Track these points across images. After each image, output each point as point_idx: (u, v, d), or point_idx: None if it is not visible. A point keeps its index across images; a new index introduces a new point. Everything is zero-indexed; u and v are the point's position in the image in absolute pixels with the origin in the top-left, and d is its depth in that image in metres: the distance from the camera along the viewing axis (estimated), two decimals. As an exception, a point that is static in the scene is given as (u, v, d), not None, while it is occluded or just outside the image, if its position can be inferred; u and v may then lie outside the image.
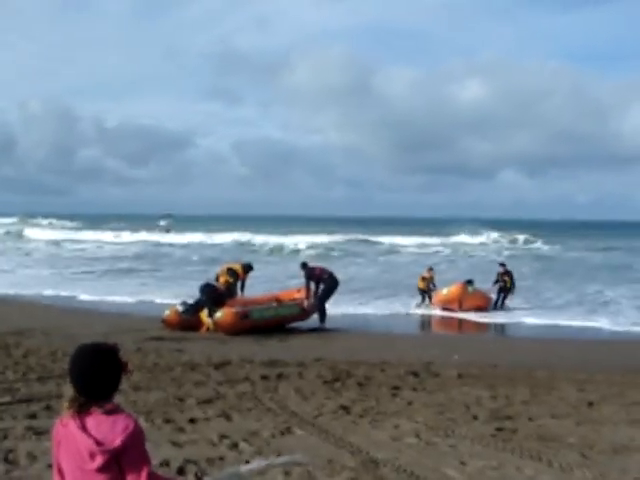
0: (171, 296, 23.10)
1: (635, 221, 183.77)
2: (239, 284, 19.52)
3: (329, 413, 9.30)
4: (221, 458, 7.32)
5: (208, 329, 17.13)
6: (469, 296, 22.95)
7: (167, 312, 17.52)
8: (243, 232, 67.85)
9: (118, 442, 3.32)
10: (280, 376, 11.63)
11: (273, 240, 59.49)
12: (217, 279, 19.27)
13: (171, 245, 58.30)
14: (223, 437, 8.05)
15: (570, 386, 11.41)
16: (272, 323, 17.59)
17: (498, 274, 23.96)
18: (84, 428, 3.36)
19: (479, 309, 22.73)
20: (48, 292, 25.83)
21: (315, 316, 18.80)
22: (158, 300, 23.31)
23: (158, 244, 59.69)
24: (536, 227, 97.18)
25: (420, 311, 23.13)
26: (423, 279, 24.18)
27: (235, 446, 7.75)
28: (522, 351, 15.76)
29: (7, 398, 9.56)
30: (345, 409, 9.54)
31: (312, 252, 49.52)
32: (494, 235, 65.90)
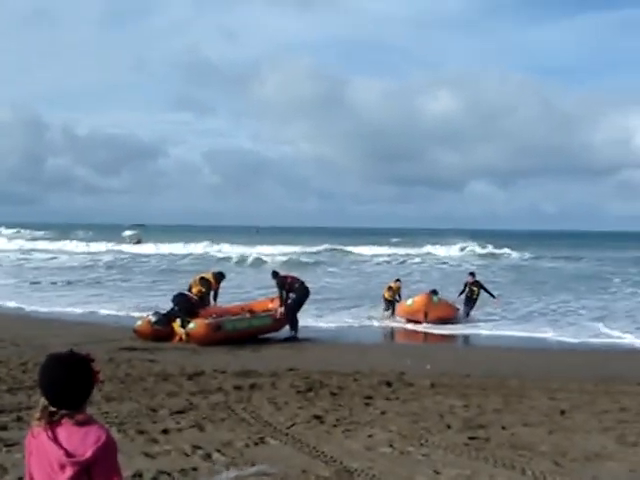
0: (138, 307, 22.97)
1: (603, 231, 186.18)
2: (212, 293, 19.48)
3: (302, 423, 9.28)
4: (194, 469, 7.28)
5: (181, 339, 17.03)
6: (435, 307, 22.23)
7: (139, 322, 17.42)
8: (214, 242, 67.35)
9: (89, 454, 3.28)
10: (253, 386, 11.59)
11: (243, 250, 59.16)
12: (190, 289, 19.19)
13: (141, 255, 57.72)
14: (196, 448, 8.00)
15: (542, 395, 11.50)
16: (245, 334, 17.53)
17: (466, 284, 23.50)
18: (55, 439, 3.32)
19: (445, 320, 22.08)
20: (12, 304, 25.16)
21: (287, 326, 18.76)
22: (121, 312, 22.96)
23: (128, 254, 59.05)
24: (507, 237, 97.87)
25: (386, 322, 22.61)
26: (389, 289, 23.71)
27: (208, 457, 7.71)
28: (493, 361, 15.83)
29: (-23, 410, 9.43)
30: (318, 419, 9.53)
31: (283, 260, 49.44)
32: (466, 245, 66.08)
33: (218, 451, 7.89)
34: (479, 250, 64.40)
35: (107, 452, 3.35)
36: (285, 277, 19.26)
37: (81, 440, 3.32)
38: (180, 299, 17.87)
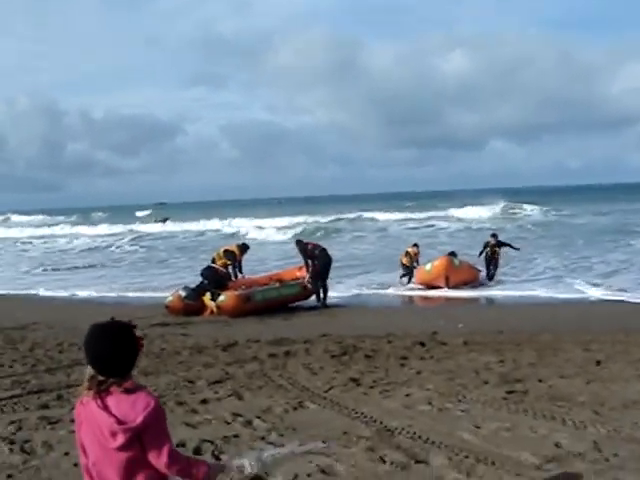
0: (167, 285, 22.99)
1: (627, 183, 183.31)
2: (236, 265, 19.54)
3: (339, 386, 9.33)
4: (236, 436, 7.34)
5: (212, 312, 17.12)
6: (456, 270, 21.08)
7: (170, 298, 17.52)
8: (234, 217, 67.20)
9: (140, 420, 3.34)
10: (287, 353, 11.66)
11: (266, 223, 59.03)
12: (214, 262, 19.24)
13: (160, 234, 57.75)
14: (236, 415, 8.08)
15: (576, 347, 11.46)
16: (275, 304, 17.58)
17: (486, 244, 22.49)
18: (105, 407, 3.38)
19: (468, 284, 21.25)
20: (41, 290, 24.92)
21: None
22: (147, 292, 22.96)
23: (144, 233, 58.98)
24: (530, 194, 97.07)
25: (402, 290, 21.61)
26: (406, 254, 22.73)
27: (249, 423, 7.78)
28: (524, 317, 15.81)
29: (18, 390, 9.56)
30: (355, 381, 9.58)
31: (308, 230, 49.41)
32: (490, 205, 64.88)
33: (258, 418, 7.96)
34: (503, 209, 63.48)
35: (157, 418, 3.41)
36: (307, 244, 19.20)
37: (131, 407, 3.37)
38: (208, 272, 17.95)
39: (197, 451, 6.89)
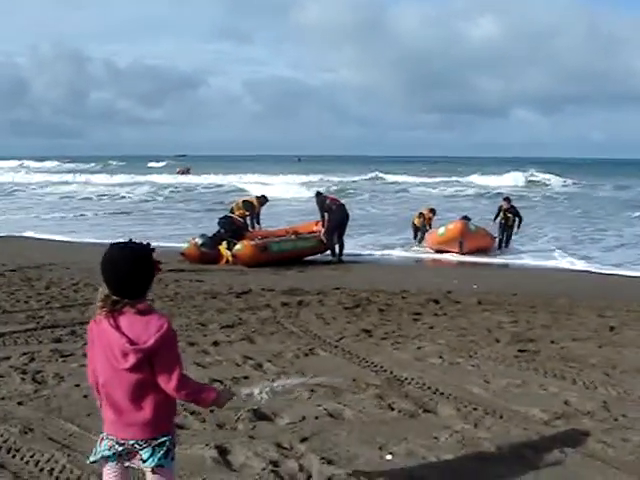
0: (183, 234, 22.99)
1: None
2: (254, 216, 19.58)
3: (351, 336, 9.36)
4: (246, 377, 7.38)
5: (227, 261, 17.16)
6: (471, 235, 19.98)
7: (186, 245, 17.57)
8: (252, 173, 66.92)
9: (152, 342, 3.32)
10: (301, 303, 11.69)
11: (281, 179, 58.76)
12: (232, 212, 19.27)
13: (174, 185, 57.66)
14: (247, 358, 8.12)
15: (590, 312, 11.41)
16: (290, 256, 17.61)
17: (500, 209, 21.38)
18: (117, 327, 3.37)
19: (483, 250, 20.35)
20: (57, 236, 24.50)
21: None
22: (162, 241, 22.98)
23: (157, 185, 58.66)
24: (554, 165, 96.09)
25: (411, 251, 20.82)
26: (420, 216, 21.79)
27: (260, 366, 7.82)
28: (540, 281, 15.75)
29: (32, 325, 9.66)
30: (367, 332, 9.60)
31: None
32: (512, 173, 63.84)
33: (269, 361, 8.01)
34: (525, 178, 62.50)
35: (169, 340, 3.39)
36: (325, 198, 19.05)
37: (143, 328, 3.36)
38: (226, 221, 17.97)
39: (207, 389, 6.93)
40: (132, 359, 3.34)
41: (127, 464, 3.59)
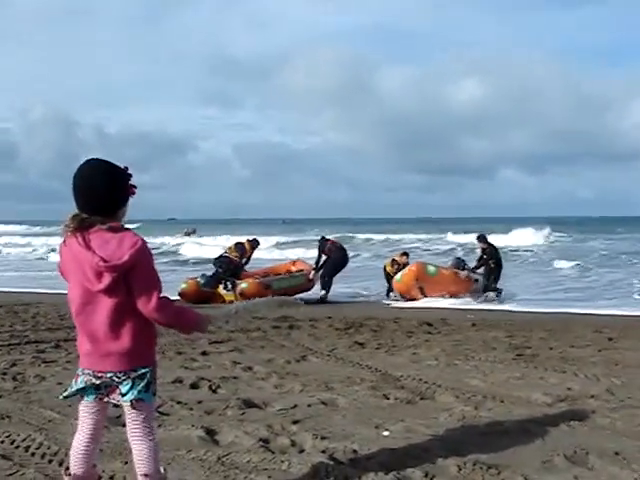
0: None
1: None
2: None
3: (344, 348, 9.10)
4: (235, 377, 7.12)
5: (224, 301, 16.90)
6: (433, 279, 17.18)
7: (184, 285, 17.31)
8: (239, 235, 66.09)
9: (126, 257, 3.07)
10: (292, 327, 11.42)
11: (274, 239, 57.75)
12: (224, 257, 19.17)
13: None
14: (236, 363, 7.86)
15: (587, 329, 11.16)
16: (286, 292, 17.46)
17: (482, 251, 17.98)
18: (88, 246, 3.11)
19: (456, 295, 17.09)
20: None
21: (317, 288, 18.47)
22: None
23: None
24: (545, 223, 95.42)
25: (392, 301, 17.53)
26: (392, 262, 18.78)
27: (249, 369, 7.55)
28: (536, 316, 15.42)
29: (16, 340, 9.39)
30: (360, 344, 9.36)
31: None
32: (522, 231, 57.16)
33: (259, 365, 7.74)
34: (540, 235, 57.07)
35: (145, 257, 3.14)
36: (327, 241, 19.14)
37: (117, 246, 3.10)
38: (224, 261, 17.93)
39: (194, 386, 6.68)
40: (107, 278, 3.08)
41: (106, 399, 3.34)
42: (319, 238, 19.61)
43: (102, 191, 3.18)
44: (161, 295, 3.18)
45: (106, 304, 3.14)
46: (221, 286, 17.29)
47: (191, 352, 8.63)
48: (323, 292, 17.98)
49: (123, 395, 3.24)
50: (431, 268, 17.62)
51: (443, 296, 16.95)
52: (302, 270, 18.94)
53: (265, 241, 49.63)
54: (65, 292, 3.30)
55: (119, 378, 3.21)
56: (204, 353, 8.53)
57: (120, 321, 3.16)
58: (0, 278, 25.02)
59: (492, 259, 17.64)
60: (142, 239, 3.16)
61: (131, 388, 3.22)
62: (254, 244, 19.95)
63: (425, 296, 16.94)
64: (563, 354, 8.46)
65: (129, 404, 3.25)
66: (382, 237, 56.38)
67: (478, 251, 18.51)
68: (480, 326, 11.72)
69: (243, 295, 16.39)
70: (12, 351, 8.56)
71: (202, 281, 17.20)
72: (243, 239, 19.82)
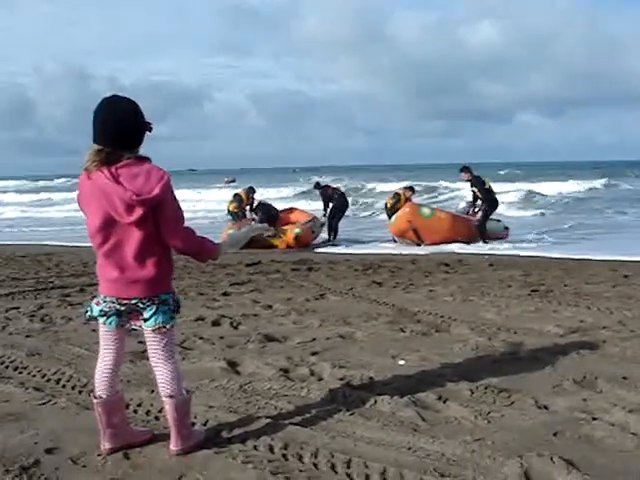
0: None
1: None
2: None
3: (362, 287, 9.27)
4: (255, 315, 7.31)
5: (271, 247, 17.14)
6: (428, 222, 15.87)
7: (230, 232, 17.43)
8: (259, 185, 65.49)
9: (157, 191, 3.20)
10: (310, 269, 11.57)
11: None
12: (228, 211, 19.41)
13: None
14: (256, 302, 8.06)
15: (603, 267, 11.24)
16: (314, 237, 17.91)
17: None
18: (117, 181, 3.22)
19: (459, 240, 15.80)
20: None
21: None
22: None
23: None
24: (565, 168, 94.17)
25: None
26: (394, 196, 17.66)
27: (269, 307, 7.75)
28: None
29: (42, 286, 9.62)
30: (378, 284, 9.52)
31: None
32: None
33: (279, 303, 7.93)
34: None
35: (170, 189, 3.28)
36: (327, 187, 19.38)
37: (145, 180, 3.22)
38: (265, 207, 18.27)
39: (216, 323, 6.88)
40: (138, 211, 3.20)
41: (127, 326, 3.51)
42: (314, 185, 19.86)
43: (130, 121, 3.32)
44: (186, 226, 3.38)
45: (135, 235, 3.28)
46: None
47: (212, 293, 8.83)
48: (330, 237, 18.33)
49: (146, 320, 3.42)
50: (425, 210, 16.36)
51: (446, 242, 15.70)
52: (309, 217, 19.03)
53: (268, 193, 48.40)
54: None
55: (144, 304, 3.38)
56: (225, 294, 8.74)
57: (147, 251, 3.32)
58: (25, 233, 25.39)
59: (485, 199, 15.87)
60: (167, 173, 3.30)
61: (154, 313, 3.40)
62: (249, 192, 20.25)
63: (421, 241, 15.94)
64: (577, 290, 8.57)
65: (151, 329, 3.43)
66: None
67: (463, 176, 16.21)
68: (497, 266, 11.80)
69: (298, 240, 16.69)
70: (39, 296, 8.79)
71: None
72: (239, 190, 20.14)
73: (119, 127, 3.30)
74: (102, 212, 3.30)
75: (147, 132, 3.41)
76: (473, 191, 16.12)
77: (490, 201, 15.90)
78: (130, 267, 3.34)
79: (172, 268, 3.51)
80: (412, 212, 16.03)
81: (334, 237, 18.38)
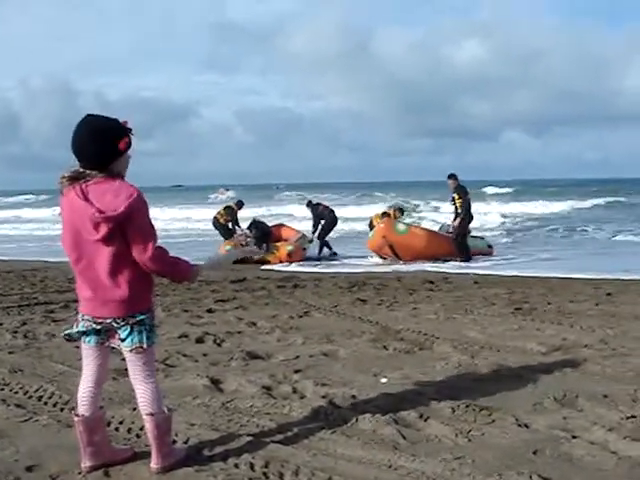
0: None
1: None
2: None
3: (346, 304, 9.29)
4: (239, 332, 7.32)
5: (264, 263, 17.20)
6: (403, 238, 15.77)
7: (227, 248, 17.43)
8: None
9: (121, 209, 3.18)
10: (296, 286, 11.57)
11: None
12: (217, 221, 19.41)
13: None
14: (240, 319, 8.07)
15: (586, 285, 11.28)
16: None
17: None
18: (86, 198, 3.23)
19: (439, 257, 15.78)
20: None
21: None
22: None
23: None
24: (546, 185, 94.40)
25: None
26: (383, 215, 17.60)
27: (253, 324, 7.75)
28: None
29: (25, 302, 9.60)
30: (362, 301, 9.54)
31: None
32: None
33: (263, 320, 7.93)
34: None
35: (140, 208, 3.26)
36: (318, 205, 19.56)
37: (113, 197, 3.22)
38: (260, 225, 18.35)
39: (199, 340, 6.88)
40: (103, 229, 3.21)
41: (106, 344, 3.50)
42: (306, 204, 20.00)
43: (88, 145, 3.30)
44: (156, 245, 3.31)
45: (105, 253, 3.27)
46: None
47: (197, 310, 8.83)
48: (323, 252, 18.45)
49: (122, 340, 3.41)
50: (400, 226, 16.27)
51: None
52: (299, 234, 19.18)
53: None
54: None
55: (118, 324, 3.37)
56: (209, 310, 8.75)
57: (118, 269, 3.30)
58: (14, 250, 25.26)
59: (462, 205, 15.68)
60: (138, 190, 3.28)
61: (130, 334, 3.38)
62: (240, 205, 20.40)
63: (399, 258, 15.85)
64: (561, 308, 8.63)
65: (129, 349, 3.42)
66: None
67: (450, 182, 15.94)
68: (482, 283, 11.85)
69: (291, 256, 16.78)
70: (22, 312, 8.77)
71: (250, 245, 17.63)
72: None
73: (80, 149, 3.32)
74: (73, 229, 3.32)
75: (121, 149, 3.35)
76: (453, 198, 15.96)
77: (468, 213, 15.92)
78: (103, 286, 3.33)
79: (150, 287, 3.46)
80: (387, 228, 16.06)
81: (330, 248, 18.49)
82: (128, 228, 3.23)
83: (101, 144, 3.30)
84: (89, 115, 3.39)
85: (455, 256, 15.84)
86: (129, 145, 3.38)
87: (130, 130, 3.41)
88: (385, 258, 16.44)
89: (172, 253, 3.41)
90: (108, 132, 3.33)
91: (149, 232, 3.29)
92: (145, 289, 3.42)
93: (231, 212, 19.52)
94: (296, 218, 29.91)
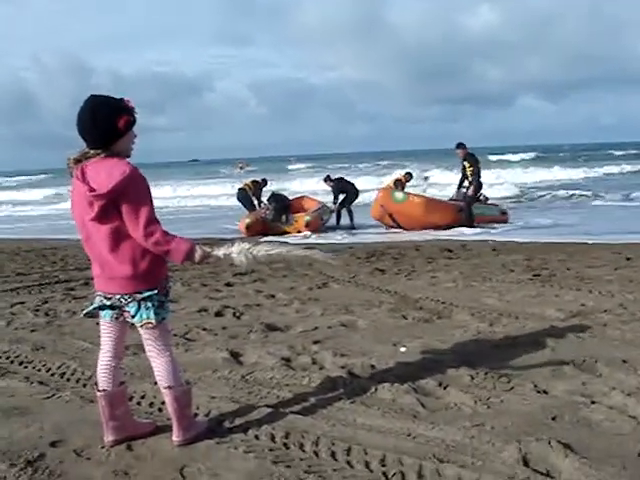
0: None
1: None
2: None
3: (365, 274, 9.30)
4: (258, 305, 7.35)
5: (284, 233, 17.34)
6: (398, 206, 15.80)
7: (247, 220, 17.51)
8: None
9: (111, 186, 3.17)
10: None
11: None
12: (245, 191, 19.46)
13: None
14: (259, 292, 8.10)
15: (605, 251, 11.22)
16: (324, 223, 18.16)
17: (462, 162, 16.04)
18: (83, 178, 3.26)
19: (443, 225, 15.66)
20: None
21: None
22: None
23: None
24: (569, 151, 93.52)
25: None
26: (396, 182, 17.82)
27: (272, 296, 7.79)
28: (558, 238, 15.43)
29: (46, 280, 9.67)
30: (380, 271, 9.54)
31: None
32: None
33: (282, 292, 7.96)
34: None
35: (133, 184, 3.23)
36: (340, 180, 19.57)
37: (107, 176, 3.22)
38: (279, 197, 18.47)
39: (218, 314, 6.92)
40: (96, 207, 3.23)
41: (121, 319, 3.51)
42: (324, 178, 19.98)
43: (88, 125, 3.30)
44: (152, 223, 3.24)
45: (103, 231, 3.29)
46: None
47: (215, 284, 8.88)
48: (350, 222, 18.52)
49: (133, 317, 3.44)
50: (398, 195, 16.06)
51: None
52: (320, 204, 19.27)
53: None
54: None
55: (125, 300, 3.39)
56: (228, 284, 8.79)
57: (119, 247, 3.30)
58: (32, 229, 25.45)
59: (472, 171, 15.66)
60: (132, 167, 3.25)
61: (138, 310, 3.40)
62: (265, 183, 20.53)
63: (398, 226, 15.96)
64: (580, 274, 8.59)
65: (139, 324, 3.45)
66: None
67: (458, 152, 15.93)
68: (500, 250, 11.82)
69: (309, 226, 16.83)
70: (43, 290, 8.85)
71: (270, 217, 17.72)
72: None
73: (81, 129, 3.33)
74: (77, 209, 3.37)
75: (120, 128, 3.31)
76: (464, 166, 15.89)
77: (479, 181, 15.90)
78: (108, 263, 3.34)
79: (158, 263, 3.39)
80: (385, 197, 16.03)
81: (351, 220, 18.50)
82: (122, 204, 3.23)
83: (99, 123, 3.29)
84: (92, 95, 3.39)
85: (461, 222, 15.81)
86: (130, 124, 3.35)
87: (133, 109, 3.39)
88: (389, 227, 16.49)
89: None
90: (105, 111, 3.30)
91: (142, 207, 3.23)
92: (152, 265, 3.37)
93: (258, 186, 19.72)
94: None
